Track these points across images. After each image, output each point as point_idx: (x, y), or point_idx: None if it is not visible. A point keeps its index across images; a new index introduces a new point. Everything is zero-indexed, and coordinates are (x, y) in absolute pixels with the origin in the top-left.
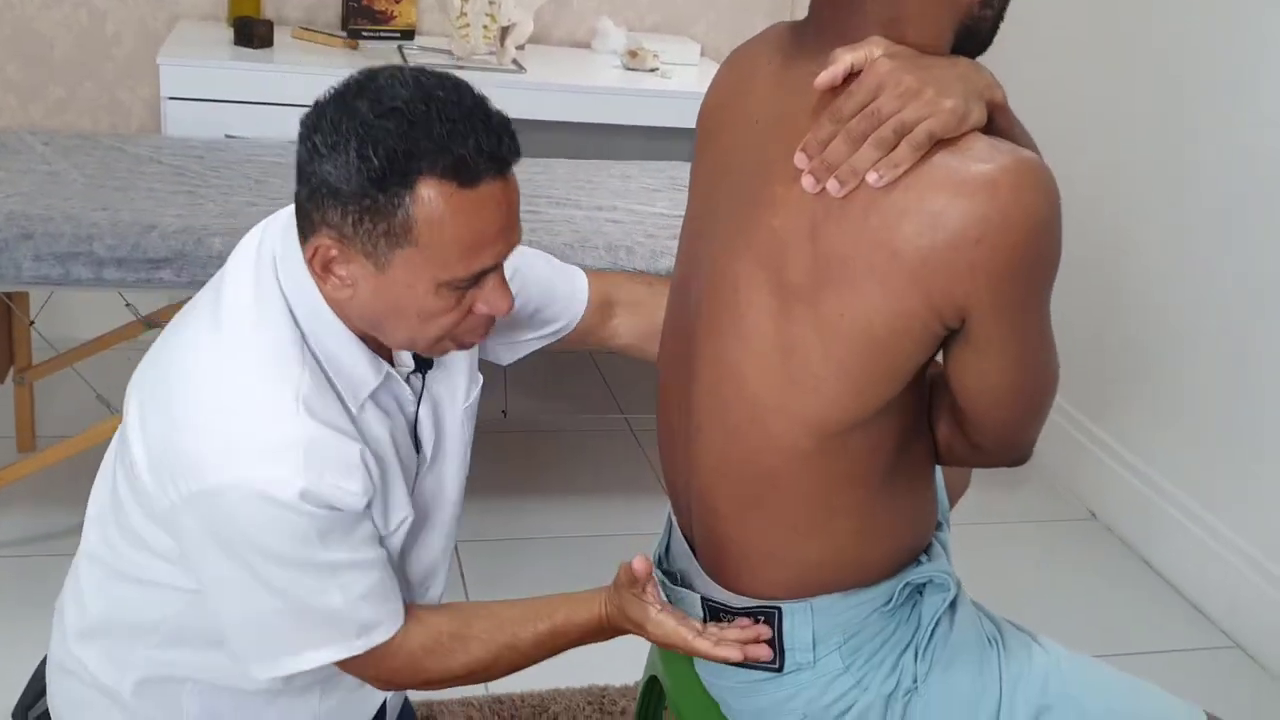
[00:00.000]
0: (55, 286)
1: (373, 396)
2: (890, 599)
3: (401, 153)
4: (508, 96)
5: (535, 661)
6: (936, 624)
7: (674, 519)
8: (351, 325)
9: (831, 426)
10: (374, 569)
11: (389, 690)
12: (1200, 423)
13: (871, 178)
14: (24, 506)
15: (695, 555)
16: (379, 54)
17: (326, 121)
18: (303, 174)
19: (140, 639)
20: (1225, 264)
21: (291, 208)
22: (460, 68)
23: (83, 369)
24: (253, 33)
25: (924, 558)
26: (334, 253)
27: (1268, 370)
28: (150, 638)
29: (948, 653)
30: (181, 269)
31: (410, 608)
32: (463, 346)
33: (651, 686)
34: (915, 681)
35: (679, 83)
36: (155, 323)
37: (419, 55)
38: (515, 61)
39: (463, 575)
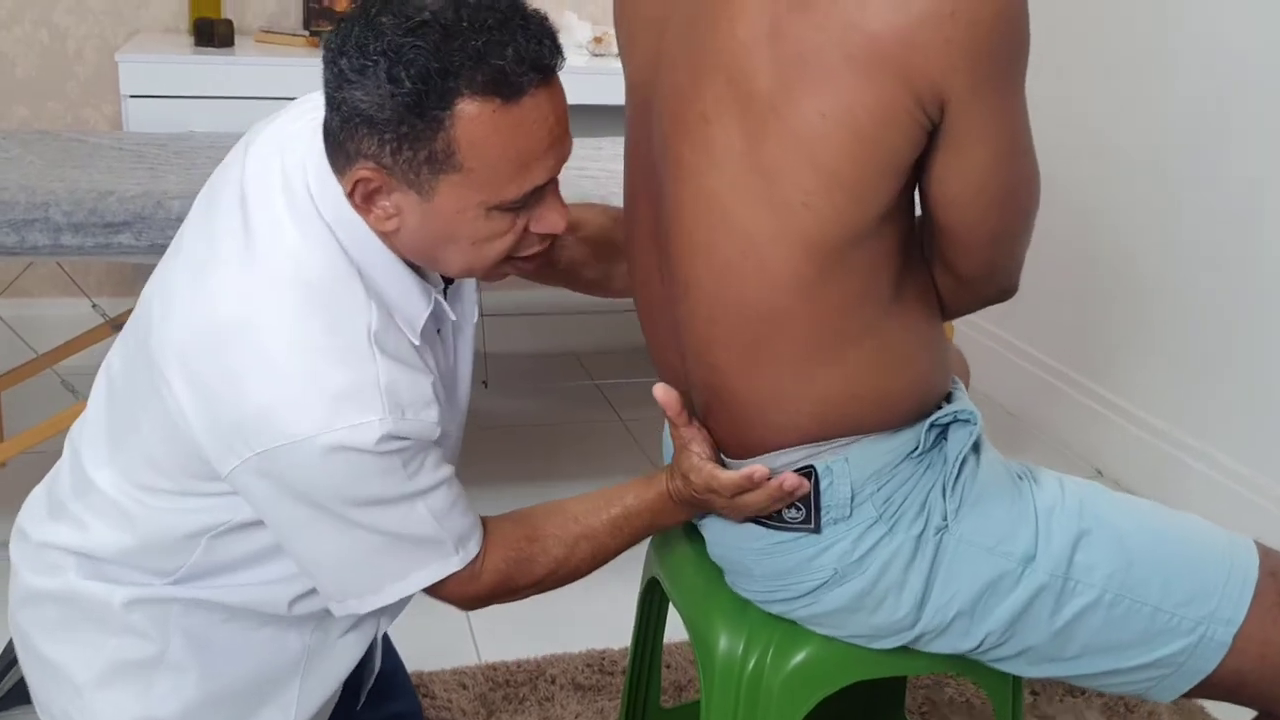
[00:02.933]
0: (11, 256)
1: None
2: (918, 445)
3: (435, 71)
4: None
5: (614, 552)
6: (963, 462)
7: None
8: (401, 256)
9: (831, 244)
10: (453, 483)
11: (477, 608)
12: (1195, 362)
13: None
14: None
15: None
16: None
17: (352, 43)
18: (331, 101)
19: (155, 576)
20: (1206, 202)
21: (308, 140)
22: None
23: (49, 374)
24: (213, 32)
25: (944, 403)
26: (375, 184)
27: (1259, 300)
28: (166, 577)
29: (977, 489)
30: (141, 232)
31: (484, 520)
32: (521, 269)
33: (651, 590)
34: (945, 519)
35: None
36: (122, 325)
37: None
38: None
39: None
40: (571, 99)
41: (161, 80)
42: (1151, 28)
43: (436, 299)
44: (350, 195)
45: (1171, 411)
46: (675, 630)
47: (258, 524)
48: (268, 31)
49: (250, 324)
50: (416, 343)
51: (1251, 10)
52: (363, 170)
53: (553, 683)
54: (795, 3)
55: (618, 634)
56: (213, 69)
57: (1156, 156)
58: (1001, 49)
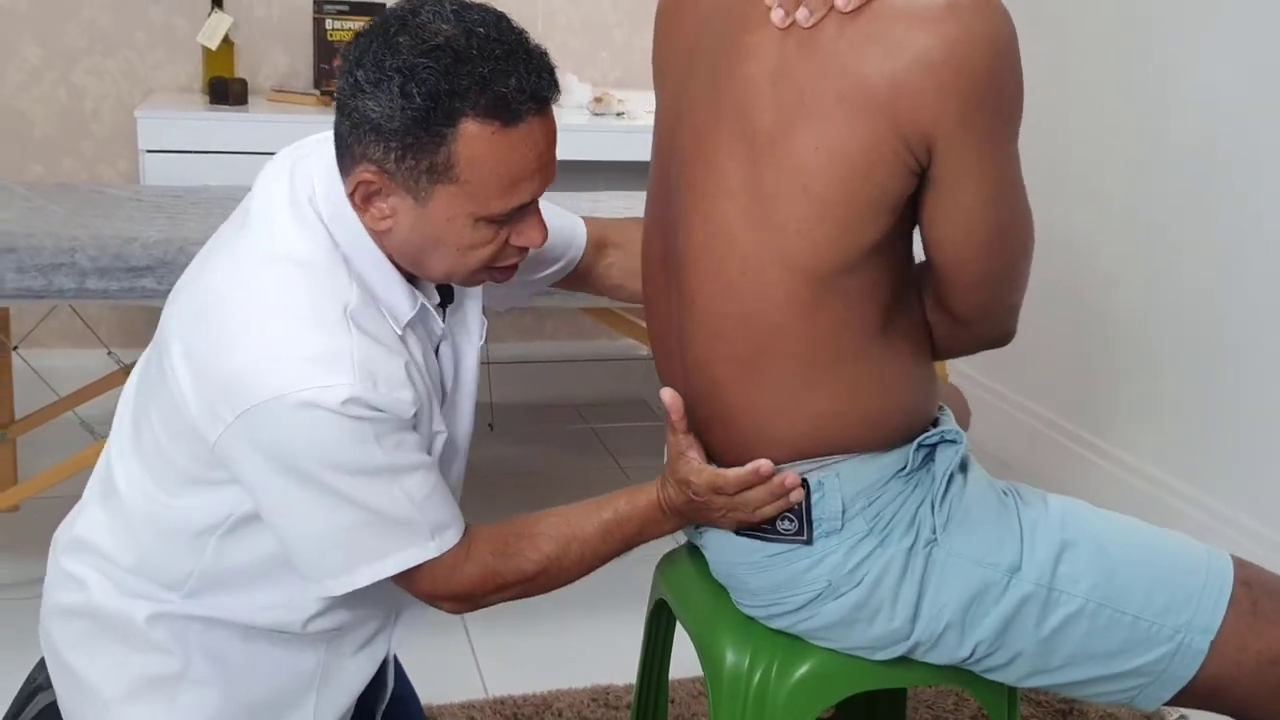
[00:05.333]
0: (38, 299)
1: (410, 324)
2: (906, 463)
3: (445, 92)
4: None
5: (602, 559)
6: (950, 479)
7: None
8: (389, 257)
9: (823, 269)
10: (432, 472)
11: (465, 611)
12: (1189, 411)
13: (840, 2)
14: (3, 549)
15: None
16: None
17: (369, 57)
18: (344, 107)
19: (170, 590)
20: (1200, 255)
21: (316, 146)
22: None
23: (65, 421)
24: (227, 90)
25: (931, 427)
26: (375, 186)
27: (1255, 350)
28: (179, 589)
29: (964, 504)
30: (164, 277)
31: (470, 524)
32: (496, 279)
33: (659, 612)
34: (934, 533)
35: (645, 122)
36: None
37: None
38: None
39: None
40: (572, 155)
41: (178, 136)
42: (1144, 81)
43: (424, 304)
44: (352, 195)
45: (1165, 460)
46: (679, 666)
47: (260, 520)
48: (280, 90)
49: (236, 294)
50: (399, 331)
51: (1244, 63)
52: (365, 172)
53: (559, 716)
54: (801, 48)
55: (622, 670)
56: (227, 125)
57: (1149, 210)
58: (990, 98)
